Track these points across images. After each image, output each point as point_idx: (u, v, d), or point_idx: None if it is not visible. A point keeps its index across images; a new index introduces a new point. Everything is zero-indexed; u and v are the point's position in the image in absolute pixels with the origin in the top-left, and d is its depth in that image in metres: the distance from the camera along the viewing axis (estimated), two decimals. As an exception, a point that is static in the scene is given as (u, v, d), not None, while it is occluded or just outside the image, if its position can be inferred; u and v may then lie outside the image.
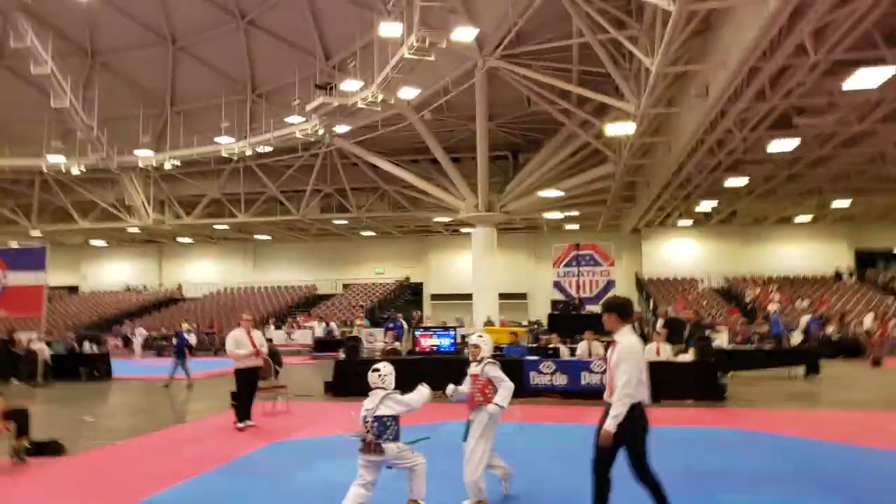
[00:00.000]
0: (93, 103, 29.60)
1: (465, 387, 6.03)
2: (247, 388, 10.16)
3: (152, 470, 7.43)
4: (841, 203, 29.31)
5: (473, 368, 6.00)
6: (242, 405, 10.10)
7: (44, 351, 17.90)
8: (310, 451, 8.46)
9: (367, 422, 5.24)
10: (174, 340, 18.39)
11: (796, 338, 24.10)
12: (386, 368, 5.41)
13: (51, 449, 8.09)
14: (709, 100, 15.22)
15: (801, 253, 35.62)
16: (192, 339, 29.11)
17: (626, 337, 4.89)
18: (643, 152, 23.15)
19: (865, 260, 36.38)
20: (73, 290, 43.81)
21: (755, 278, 33.70)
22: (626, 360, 4.72)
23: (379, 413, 5.21)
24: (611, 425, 4.69)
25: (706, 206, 31.06)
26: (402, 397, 5.34)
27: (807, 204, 30.11)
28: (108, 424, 10.97)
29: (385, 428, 5.20)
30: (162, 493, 6.39)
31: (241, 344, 10.11)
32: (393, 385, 5.39)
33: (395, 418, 5.28)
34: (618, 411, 4.68)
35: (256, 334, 10.43)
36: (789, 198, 29.15)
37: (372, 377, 5.36)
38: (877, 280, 32.74)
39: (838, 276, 32.91)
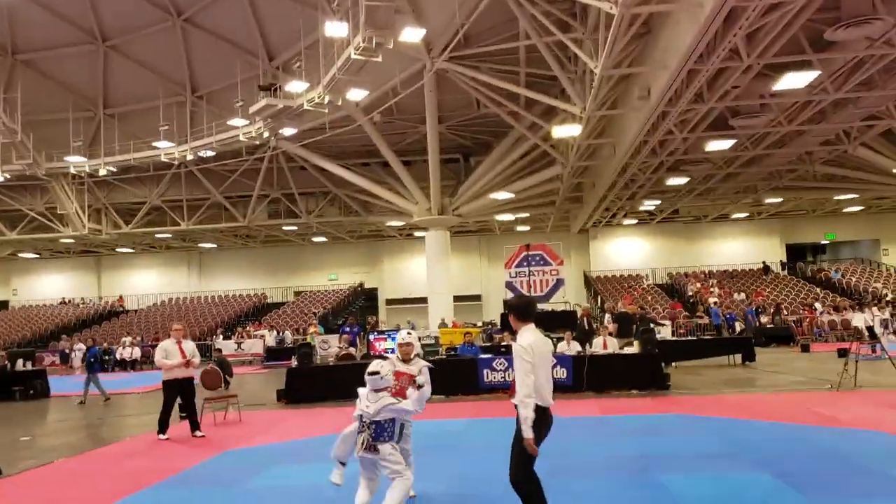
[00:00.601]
0: (15, 104, 28.00)
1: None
2: (176, 398, 10.06)
3: (97, 486, 7.21)
4: (773, 199, 30.82)
5: (404, 367, 5.88)
6: (165, 416, 9.96)
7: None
8: (264, 458, 8.33)
9: (364, 422, 5.19)
10: (86, 355, 17.39)
11: (738, 328, 25.10)
12: (384, 368, 5.32)
13: (-15, 472, 7.71)
14: (650, 101, 15.64)
15: (737, 248, 37.39)
16: (136, 352, 28.33)
17: (523, 336, 4.74)
18: (589, 154, 23.62)
19: (797, 252, 39.01)
20: (3, 304, 41.90)
21: (696, 273, 34.91)
22: (517, 360, 4.58)
23: (378, 418, 5.15)
24: (527, 432, 4.53)
25: (649, 205, 31.97)
26: (403, 404, 5.27)
27: (742, 201, 31.42)
28: (48, 443, 10.54)
29: (382, 430, 5.16)
30: (111, 507, 6.21)
31: (170, 354, 9.96)
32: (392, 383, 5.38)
33: (394, 421, 5.24)
34: (524, 415, 4.54)
35: (188, 344, 10.25)
36: (726, 195, 30.33)
37: (373, 380, 5.21)
38: (806, 271, 34.61)
39: (766, 269, 34.52)
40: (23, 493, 7.05)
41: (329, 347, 23.01)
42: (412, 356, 5.96)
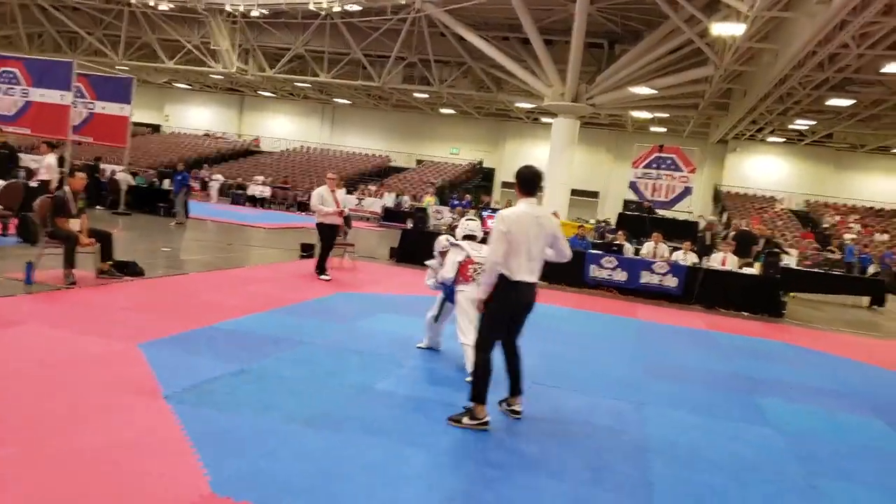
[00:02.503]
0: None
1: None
2: (331, 240, 10.69)
3: (225, 301, 7.97)
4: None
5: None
6: (324, 257, 10.64)
7: (127, 181, 18.84)
8: (372, 304, 8.90)
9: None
10: (176, 178, 17.98)
11: (872, 271, 23.30)
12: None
13: (131, 270, 8.58)
14: (831, 7, 13.91)
15: (892, 185, 33.73)
16: (266, 191, 30.23)
17: (512, 208, 4.81)
18: (747, 59, 21.63)
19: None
20: (155, 128, 45.28)
21: (836, 205, 32.22)
22: (494, 229, 4.58)
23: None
24: (480, 292, 4.72)
25: (802, 124, 29.28)
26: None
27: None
28: (184, 256, 11.69)
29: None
30: (235, 321, 6.90)
31: (326, 201, 10.52)
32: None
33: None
34: (483, 280, 4.70)
35: (340, 193, 10.81)
36: (895, 126, 27.17)
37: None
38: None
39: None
40: (160, 292, 7.94)
41: (441, 217, 23.55)
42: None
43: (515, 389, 4.99)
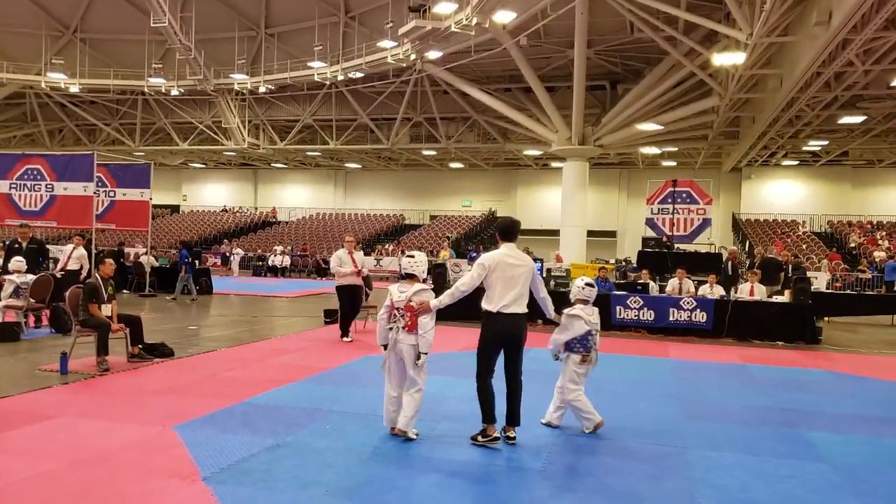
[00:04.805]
0: (190, 23, 30.32)
1: None
2: (351, 302, 10.82)
3: (255, 375, 7.97)
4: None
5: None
6: (345, 319, 10.79)
7: (151, 263, 19.16)
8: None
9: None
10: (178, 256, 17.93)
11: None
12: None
13: (160, 351, 8.69)
14: (831, 27, 14.06)
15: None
16: (287, 260, 30.53)
17: (493, 251, 5.52)
18: (751, 85, 21.82)
19: None
20: (175, 209, 46.36)
21: (861, 223, 31.76)
22: (474, 266, 5.36)
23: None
24: (433, 304, 5.29)
25: (815, 145, 29.25)
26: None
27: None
28: (211, 333, 11.75)
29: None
30: (266, 394, 6.88)
31: (344, 262, 10.74)
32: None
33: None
34: (442, 300, 5.30)
35: (358, 255, 10.99)
36: (910, 139, 27.07)
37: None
38: None
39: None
40: (190, 372, 7.96)
41: (460, 271, 23.57)
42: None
43: (510, 419, 5.45)
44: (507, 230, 5.60)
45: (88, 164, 14.98)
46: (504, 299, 5.27)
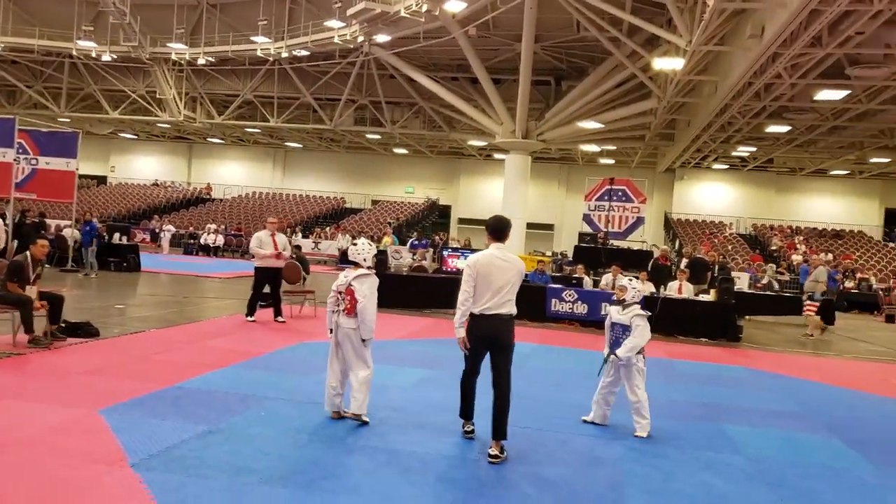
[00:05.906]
0: (124, -14, 28.80)
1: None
2: (265, 285, 10.74)
3: (186, 358, 7.79)
4: (879, 159, 28.96)
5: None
6: (254, 300, 10.74)
7: (75, 237, 18.35)
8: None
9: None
10: (85, 228, 16.92)
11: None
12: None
13: (85, 331, 8.33)
14: (763, 41, 14.65)
15: (831, 206, 35.55)
16: (220, 239, 29.77)
17: (482, 251, 5.36)
18: (688, 90, 22.54)
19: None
20: (102, 180, 44.35)
21: (782, 227, 33.47)
22: (464, 272, 5.20)
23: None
24: (457, 332, 5.23)
25: (744, 150, 30.51)
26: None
27: (844, 158, 29.56)
28: (139, 313, 11.39)
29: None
30: (198, 378, 6.74)
31: (264, 244, 10.60)
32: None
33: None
34: (455, 319, 5.26)
35: (280, 237, 10.81)
36: (828, 150, 28.64)
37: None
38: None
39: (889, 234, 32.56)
40: (117, 353, 7.69)
41: (401, 258, 23.53)
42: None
43: (494, 432, 5.04)
44: (496, 229, 5.30)
45: (9, 129, 14.23)
46: (487, 301, 5.09)
